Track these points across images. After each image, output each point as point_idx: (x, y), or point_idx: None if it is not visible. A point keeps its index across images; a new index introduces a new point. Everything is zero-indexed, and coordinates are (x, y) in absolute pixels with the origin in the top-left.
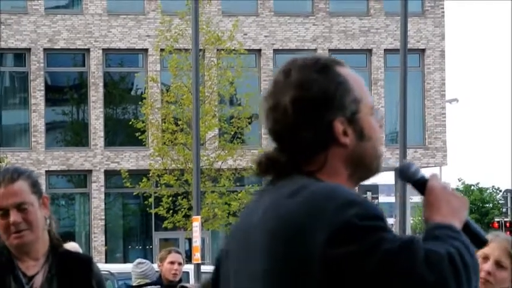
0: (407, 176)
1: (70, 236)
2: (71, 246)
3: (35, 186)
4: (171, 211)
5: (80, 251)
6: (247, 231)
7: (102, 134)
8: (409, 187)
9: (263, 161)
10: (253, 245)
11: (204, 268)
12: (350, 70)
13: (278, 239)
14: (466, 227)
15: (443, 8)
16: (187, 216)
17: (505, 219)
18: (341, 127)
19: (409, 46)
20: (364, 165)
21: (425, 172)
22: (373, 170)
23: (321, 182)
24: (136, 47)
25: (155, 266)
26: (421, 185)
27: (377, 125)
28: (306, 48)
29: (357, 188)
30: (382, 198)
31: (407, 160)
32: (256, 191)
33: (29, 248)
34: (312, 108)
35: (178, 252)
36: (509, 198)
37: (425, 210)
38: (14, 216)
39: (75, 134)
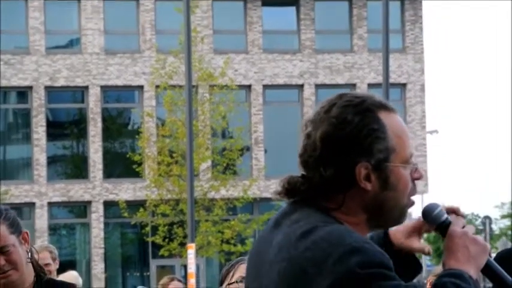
0: (430, 219)
1: (71, 264)
2: (70, 274)
3: (12, 226)
4: (167, 239)
5: (80, 280)
6: (262, 263)
7: (101, 166)
8: None
9: (285, 185)
10: (267, 281)
11: None
12: (395, 117)
13: (286, 281)
14: (489, 269)
15: (422, 45)
16: (182, 244)
17: None
18: (364, 172)
19: (391, 81)
20: (382, 213)
21: (449, 215)
22: (392, 220)
23: (332, 225)
24: (132, 84)
25: None
26: (445, 228)
27: (408, 177)
28: (293, 83)
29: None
30: None
31: (432, 202)
32: (273, 217)
33: (15, 285)
34: (338, 148)
35: (180, 281)
36: (487, 224)
37: (443, 255)
38: None
39: (75, 167)
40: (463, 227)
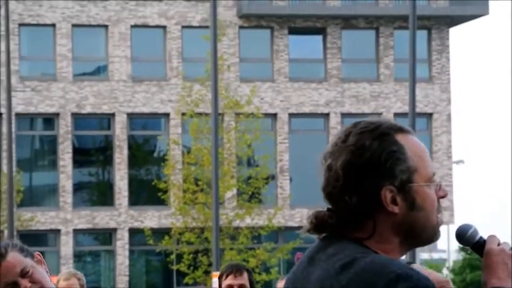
0: (464, 240)
1: None
2: None
3: (23, 250)
4: (191, 267)
5: None
6: None
7: (126, 193)
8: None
9: (313, 221)
10: None
11: None
12: (412, 138)
13: None
14: None
15: (449, 74)
16: (207, 272)
17: None
18: (389, 195)
19: (417, 110)
20: (414, 234)
21: (483, 234)
22: (425, 240)
23: (370, 255)
24: (158, 112)
25: None
26: (480, 248)
27: (434, 195)
28: (319, 112)
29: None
30: None
31: (464, 223)
32: (306, 254)
33: None
34: (361, 174)
35: None
36: None
37: (482, 274)
38: (24, 284)
39: (100, 194)
40: (498, 244)
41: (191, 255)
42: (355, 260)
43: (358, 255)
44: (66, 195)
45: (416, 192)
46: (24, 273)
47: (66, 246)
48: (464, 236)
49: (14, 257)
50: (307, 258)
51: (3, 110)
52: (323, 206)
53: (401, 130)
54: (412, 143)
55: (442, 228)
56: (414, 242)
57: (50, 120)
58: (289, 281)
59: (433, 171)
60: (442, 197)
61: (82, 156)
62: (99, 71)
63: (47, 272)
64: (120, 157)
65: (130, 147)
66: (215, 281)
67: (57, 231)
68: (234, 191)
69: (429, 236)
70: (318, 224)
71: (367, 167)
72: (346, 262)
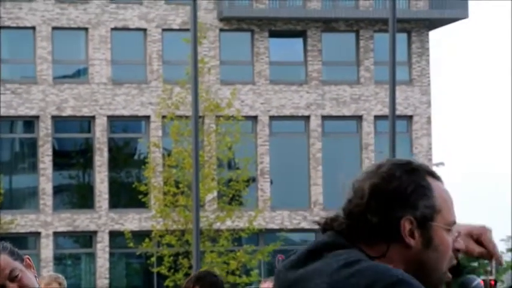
0: None
1: None
2: None
3: (13, 253)
4: (172, 270)
5: None
6: None
7: (106, 196)
8: None
9: (329, 216)
10: None
11: None
12: (442, 184)
13: None
14: None
15: (429, 77)
16: (187, 275)
17: (490, 278)
18: (408, 226)
19: (398, 113)
20: (422, 273)
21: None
22: (431, 282)
23: (375, 261)
24: (139, 114)
25: None
26: None
27: (450, 242)
28: (300, 114)
29: None
30: None
31: (470, 276)
32: (298, 255)
33: None
34: (385, 200)
35: None
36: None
37: None
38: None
39: (81, 197)
40: None
41: (172, 258)
42: (360, 260)
43: (364, 258)
44: (47, 198)
45: (435, 232)
46: (12, 277)
47: (47, 249)
48: (468, 286)
49: (3, 260)
50: (307, 251)
51: None
52: (303, 208)
53: (432, 174)
54: (440, 187)
55: None
56: (420, 281)
57: (30, 123)
58: (279, 281)
59: (455, 221)
60: (458, 250)
61: (62, 159)
62: (79, 74)
63: (35, 276)
64: (101, 160)
65: (110, 150)
66: None
67: (37, 234)
68: (215, 193)
69: (434, 281)
70: (332, 219)
71: (393, 195)
72: (350, 261)
